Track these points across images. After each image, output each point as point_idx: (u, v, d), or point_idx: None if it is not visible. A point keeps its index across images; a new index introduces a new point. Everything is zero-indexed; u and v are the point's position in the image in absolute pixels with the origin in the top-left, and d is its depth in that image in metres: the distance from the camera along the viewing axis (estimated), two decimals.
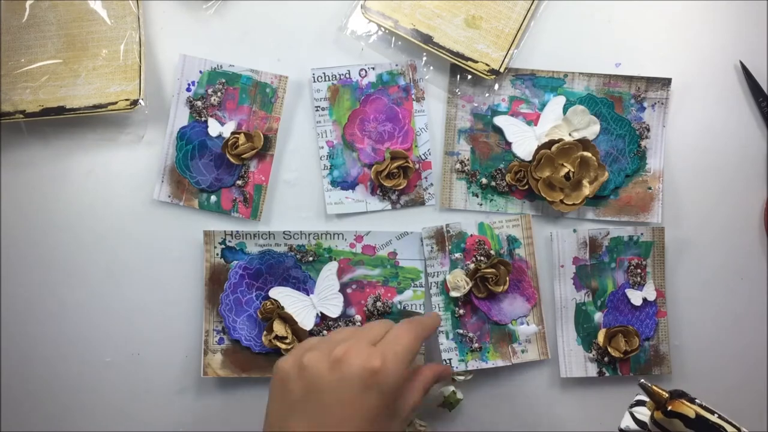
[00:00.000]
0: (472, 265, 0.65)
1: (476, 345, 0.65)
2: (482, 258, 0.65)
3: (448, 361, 0.65)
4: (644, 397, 0.45)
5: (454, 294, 0.65)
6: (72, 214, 0.67)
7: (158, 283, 0.67)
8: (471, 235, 0.66)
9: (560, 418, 0.66)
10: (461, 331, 0.66)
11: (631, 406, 0.45)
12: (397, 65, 0.66)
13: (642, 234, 0.65)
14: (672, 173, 0.66)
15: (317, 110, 0.67)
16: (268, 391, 0.52)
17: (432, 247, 0.66)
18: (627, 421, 0.45)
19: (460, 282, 0.65)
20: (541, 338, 0.66)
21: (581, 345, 0.66)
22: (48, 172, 0.68)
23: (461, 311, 0.65)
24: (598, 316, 0.66)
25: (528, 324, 0.66)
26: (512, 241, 0.66)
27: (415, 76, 0.67)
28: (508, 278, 0.64)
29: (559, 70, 0.66)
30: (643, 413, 0.44)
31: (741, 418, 0.65)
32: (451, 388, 0.65)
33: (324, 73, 0.66)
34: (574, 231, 0.66)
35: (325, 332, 0.66)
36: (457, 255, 0.66)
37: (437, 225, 0.65)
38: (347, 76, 0.67)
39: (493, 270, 0.64)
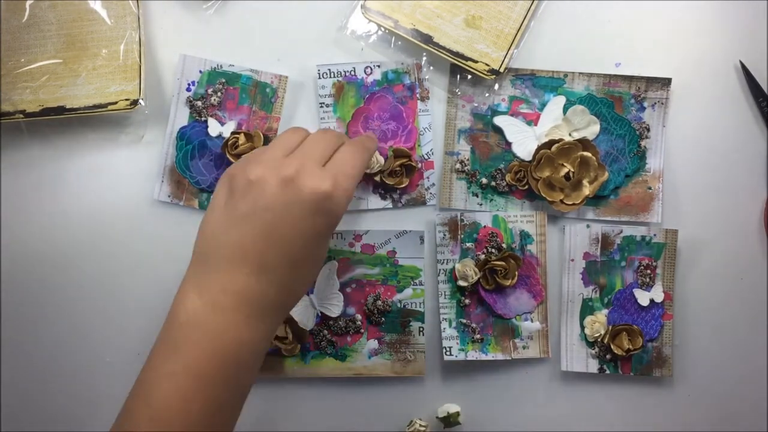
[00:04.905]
0: (482, 256, 0.65)
1: (478, 336, 0.65)
2: (493, 250, 0.65)
3: (448, 350, 0.65)
4: None
5: (461, 283, 0.65)
6: (72, 214, 0.67)
7: (158, 283, 0.67)
8: (484, 227, 0.66)
9: (558, 413, 0.66)
10: (464, 321, 0.66)
11: None
12: (402, 64, 0.66)
13: (655, 235, 0.65)
14: (672, 173, 0.66)
15: (322, 106, 0.67)
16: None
17: (444, 234, 0.66)
18: None
19: (468, 271, 0.65)
20: (543, 336, 0.66)
21: (584, 340, 0.66)
22: (48, 172, 0.68)
23: (467, 301, 0.66)
24: (604, 313, 0.65)
25: (532, 321, 0.66)
26: (525, 236, 0.66)
27: (420, 75, 0.66)
28: (517, 273, 0.64)
29: (559, 70, 0.66)
30: None
31: (741, 418, 0.66)
32: (456, 407, 0.66)
33: (329, 70, 0.66)
34: (588, 226, 0.65)
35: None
36: (469, 245, 0.66)
37: (451, 213, 0.66)
38: (352, 73, 0.67)
39: (503, 263, 0.64)
